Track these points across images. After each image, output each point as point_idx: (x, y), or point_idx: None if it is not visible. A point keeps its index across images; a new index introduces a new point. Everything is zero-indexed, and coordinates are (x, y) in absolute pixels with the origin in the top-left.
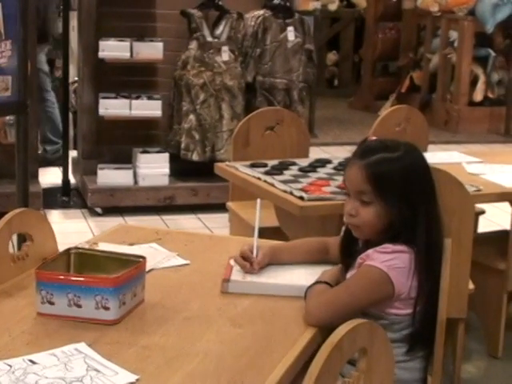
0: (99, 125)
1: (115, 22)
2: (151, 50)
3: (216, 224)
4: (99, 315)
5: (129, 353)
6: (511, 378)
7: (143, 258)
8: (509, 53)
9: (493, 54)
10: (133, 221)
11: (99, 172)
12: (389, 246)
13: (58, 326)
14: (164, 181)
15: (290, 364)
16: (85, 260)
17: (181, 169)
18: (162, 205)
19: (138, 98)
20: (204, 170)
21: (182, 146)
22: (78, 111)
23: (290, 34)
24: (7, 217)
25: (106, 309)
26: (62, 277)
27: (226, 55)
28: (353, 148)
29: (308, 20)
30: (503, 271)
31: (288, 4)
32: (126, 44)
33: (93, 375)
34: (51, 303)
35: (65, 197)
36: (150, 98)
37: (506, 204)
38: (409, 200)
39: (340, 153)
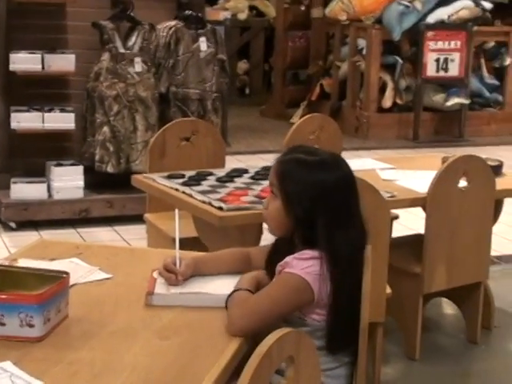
0: (11, 138)
1: (25, 34)
2: (63, 62)
3: (133, 236)
4: (24, 333)
5: (56, 370)
6: (429, 378)
7: (66, 273)
8: (415, 60)
9: (400, 61)
10: (48, 234)
11: (12, 186)
12: (307, 252)
13: None
14: (79, 193)
15: (218, 374)
16: (6, 277)
17: (95, 181)
18: (77, 218)
19: (50, 110)
20: (119, 182)
21: (97, 157)
22: None
23: (203, 44)
24: None
25: (31, 326)
26: None
27: (138, 66)
28: (266, 156)
29: (220, 30)
30: (418, 274)
31: (200, 15)
32: (38, 56)
33: None
34: None
35: None
36: (62, 110)
37: (419, 209)
38: (306, 203)
39: (254, 161)
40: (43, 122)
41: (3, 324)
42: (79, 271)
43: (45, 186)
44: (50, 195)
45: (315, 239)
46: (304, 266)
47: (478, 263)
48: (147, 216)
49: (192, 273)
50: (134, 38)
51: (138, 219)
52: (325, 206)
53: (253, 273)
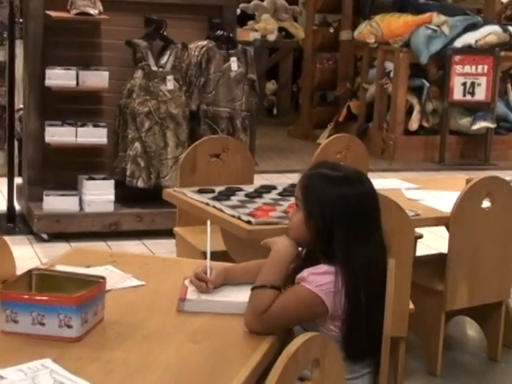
0: (45, 152)
1: (61, 50)
2: (97, 79)
3: (161, 250)
4: (62, 333)
5: (92, 368)
6: None
7: (103, 278)
8: (442, 83)
9: (427, 84)
10: (79, 247)
11: (45, 198)
12: (322, 267)
13: (23, 344)
14: (109, 207)
15: (247, 375)
16: (45, 281)
17: (126, 195)
18: (107, 231)
19: (83, 125)
20: (149, 197)
21: (128, 172)
22: (24, 138)
23: (233, 64)
24: None
25: (69, 327)
26: (26, 296)
27: (170, 84)
28: (293, 175)
29: (250, 50)
30: (441, 292)
31: (231, 35)
32: (73, 72)
33: None
34: (15, 322)
35: (10, 223)
36: (95, 125)
37: (442, 229)
38: (326, 216)
39: (280, 180)
40: (76, 137)
41: (43, 324)
42: (114, 278)
43: (76, 199)
44: (81, 208)
45: (333, 253)
46: (318, 282)
47: (500, 283)
48: (177, 230)
49: (222, 282)
50: (166, 57)
51: (166, 233)
52: (344, 221)
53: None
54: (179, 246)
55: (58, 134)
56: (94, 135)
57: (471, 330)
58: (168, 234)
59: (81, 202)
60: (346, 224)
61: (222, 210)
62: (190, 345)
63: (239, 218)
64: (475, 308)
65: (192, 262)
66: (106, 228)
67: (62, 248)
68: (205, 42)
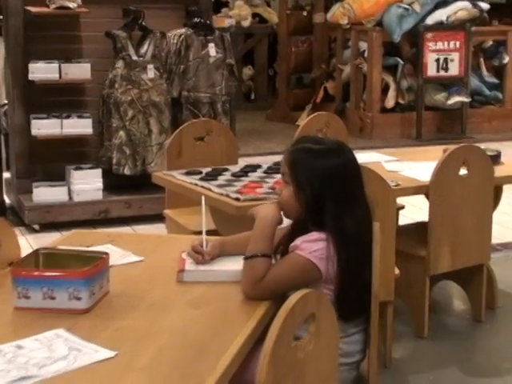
0: (31, 144)
1: (42, 44)
2: (79, 71)
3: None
4: (72, 305)
5: (103, 335)
6: (437, 355)
7: (106, 253)
8: (416, 60)
9: (401, 62)
10: (77, 231)
11: (34, 190)
12: (314, 234)
13: (35, 318)
14: (98, 195)
15: (246, 336)
16: (51, 259)
17: (113, 183)
18: (97, 218)
19: (68, 117)
20: (136, 183)
21: (114, 161)
22: (10, 132)
23: (212, 50)
24: None
25: (78, 299)
26: (36, 273)
27: (151, 73)
28: (274, 157)
29: (227, 36)
30: (424, 257)
31: (208, 22)
32: (55, 65)
33: (75, 354)
34: (27, 297)
35: (0, 216)
36: (80, 116)
37: (422, 201)
38: (315, 188)
39: (262, 162)
40: (62, 128)
41: (53, 298)
42: (114, 255)
43: (65, 189)
44: (70, 198)
45: (323, 221)
46: (311, 248)
47: (479, 246)
48: (166, 212)
49: (218, 254)
50: (146, 46)
51: (155, 218)
52: (332, 190)
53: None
54: (169, 227)
55: (44, 127)
56: (79, 126)
57: (455, 293)
58: (156, 218)
59: (70, 191)
60: (334, 193)
61: (210, 190)
62: (191, 311)
63: (227, 195)
64: (458, 272)
65: (186, 238)
66: (95, 216)
67: (53, 237)
68: (183, 30)
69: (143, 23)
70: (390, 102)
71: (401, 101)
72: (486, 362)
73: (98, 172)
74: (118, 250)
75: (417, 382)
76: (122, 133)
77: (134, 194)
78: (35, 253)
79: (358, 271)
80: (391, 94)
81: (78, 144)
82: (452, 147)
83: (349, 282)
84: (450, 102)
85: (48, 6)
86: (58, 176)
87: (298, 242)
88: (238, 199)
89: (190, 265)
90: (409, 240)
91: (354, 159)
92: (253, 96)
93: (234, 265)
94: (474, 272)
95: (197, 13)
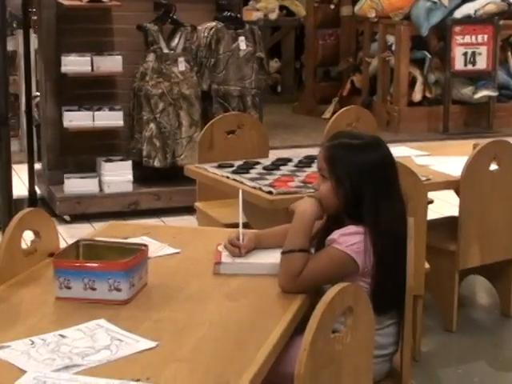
0: (63, 136)
1: (74, 37)
2: (111, 64)
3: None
4: (112, 296)
5: (144, 326)
6: (466, 349)
7: (145, 245)
8: (443, 54)
9: (429, 56)
10: (114, 223)
11: (66, 181)
12: (351, 227)
13: (76, 308)
14: (128, 187)
15: (284, 328)
16: (91, 250)
17: (143, 175)
18: (126, 210)
19: (99, 109)
20: (165, 176)
21: (144, 153)
22: (42, 124)
23: (242, 43)
24: (19, 215)
25: (118, 290)
26: (77, 264)
27: (182, 66)
28: (301, 150)
29: (257, 30)
30: (454, 252)
31: (238, 15)
32: (87, 58)
33: (117, 344)
34: (68, 288)
35: (32, 207)
36: (111, 109)
37: (450, 196)
38: (354, 182)
39: (290, 155)
40: (94, 121)
41: (94, 289)
42: (151, 247)
43: (96, 180)
44: (101, 189)
45: (361, 215)
46: (349, 242)
47: (509, 241)
48: (197, 204)
49: (254, 247)
50: (177, 39)
51: (184, 210)
52: (370, 184)
53: (304, 225)
54: (200, 219)
55: (76, 119)
56: (110, 118)
57: (483, 288)
58: (185, 210)
59: (100, 183)
60: (372, 187)
61: (242, 183)
62: (228, 303)
63: (260, 189)
64: (487, 266)
65: (221, 231)
66: (125, 208)
67: (84, 228)
68: (213, 24)
69: (174, 16)
70: (417, 96)
71: (428, 94)
72: None
73: (129, 164)
74: (155, 242)
75: (446, 375)
76: (152, 125)
77: (164, 186)
78: (76, 244)
79: (394, 265)
80: (418, 87)
81: (109, 136)
82: (483, 142)
83: (384, 276)
84: (477, 96)
85: (80, 0)
86: (88, 168)
87: (335, 235)
88: (270, 193)
89: (226, 257)
90: (438, 235)
91: (390, 153)
92: (279, 89)
93: (270, 258)
94: (503, 267)
95: (227, 6)
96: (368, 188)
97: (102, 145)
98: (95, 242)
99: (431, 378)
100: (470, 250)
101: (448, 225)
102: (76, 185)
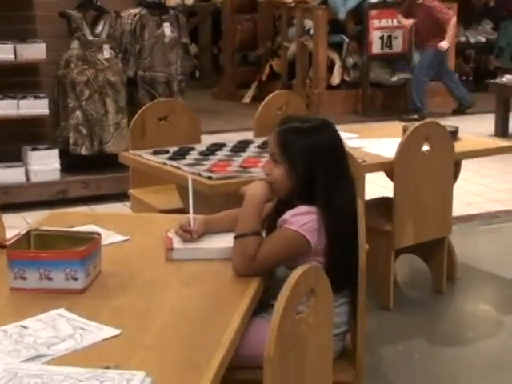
0: None
1: None
2: (34, 51)
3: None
4: (69, 285)
5: (104, 314)
6: (403, 325)
7: (98, 233)
8: (361, 38)
9: (346, 39)
10: (29, 216)
11: None
12: (302, 207)
13: (33, 298)
14: (55, 176)
15: (246, 308)
16: (42, 240)
17: (70, 163)
18: (55, 199)
19: (23, 97)
20: (93, 163)
21: (71, 141)
22: None
23: (167, 29)
24: None
25: (75, 279)
26: (32, 254)
27: (107, 52)
28: (225, 135)
29: (182, 16)
30: (390, 232)
31: (162, 1)
32: (10, 46)
33: (81, 332)
34: (23, 278)
35: None
36: (35, 97)
37: (375, 177)
38: (307, 165)
39: (213, 140)
40: (18, 109)
41: (50, 278)
42: None
43: (23, 169)
44: (27, 178)
45: (313, 197)
46: (301, 222)
47: (441, 220)
48: (132, 191)
49: (204, 231)
50: (101, 26)
51: (112, 198)
52: (322, 166)
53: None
54: (135, 206)
55: (0, 108)
56: (35, 106)
57: (414, 266)
58: (114, 198)
59: (27, 172)
60: (324, 169)
61: (180, 168)
62: (186, 289)
63: (199, 174)
64: (420, 245)
65: (166, 217)
66: (53, 196)
67: (12, 219)
68: (137, 10)
69: (98, 3)
70: (335, 79)
71: (346, 78)
72: (451, 331)
73: (55, 152)
74: (103, 230)
75: (387, 353)
76: (78, 113)
77: (91, 173)
78: (26, 234)
79: (346, 244)
80: (337, 71)
81: (34, 125)
82: (414, 124)
83: (337, 254)
84: (395, 78)
85: None
86: (13, 157)
87: (286, 215)
88: (210, 178)
89: (177, 243)
90: (373, 215)
91: (339, 135)
92: (197, 74)
93: (221, 242)
94: (436, 245)
95: None
96: (320, 170)
97: (26, 133)
98: (46, 231)
99: (373, 356)
100: (405, 229)
101: (381, 206)
102: (2, 175)
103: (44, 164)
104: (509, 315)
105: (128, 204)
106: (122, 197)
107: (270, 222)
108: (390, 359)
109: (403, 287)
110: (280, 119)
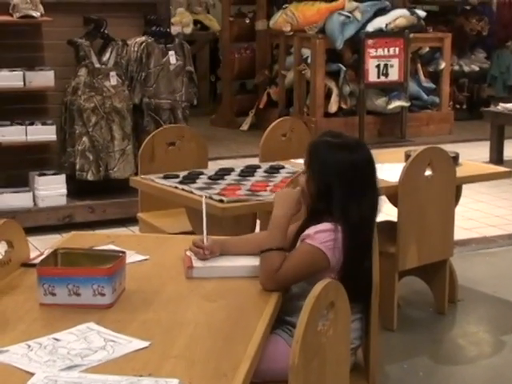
0: None
1: (5, 52)
2: (43, 78)
3: None
4: (96, 301)
5: (132, 328)
6: (406, 346)
7: (123, 252)
8: (357, 66)
9: (343, 68)
10: (36, 240)
11: None
12: (326, 225)
13: (63, 313)
14: (62, 201)
15: (266, 323)
16: (69, 258)
17: (77, 189)
18: (61, 223)
19: (31, 124)
20: (99, 189)
21: (77, 166)
22: None
23: (172, 57)
24: None
25: (102, 295)
26: (61, 271)
27: (114, 80)
28: (225, 162)
29: (187, 44)
30: (393, 254)
31: (168, 30)
32: (19, 73)
33: (112, 344)
34: (53, 294)
35: None
36: (43, 123)
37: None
38: (326, 178)
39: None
40: (26, 135)
41: (78, 294)
42: None
43: (30, 194)
44: (35, 204)
45: (331, 211)
46: (323, 239)
47: (444, 242)
48: (140, 215)
49: (219, 251)
50: (108, 54)
51: (118, 222)
52: (340, 182)
53: (281, 224)
54: (144, 230)
55: (9, 134)
56: (43, 133)
57: (418, 288)
58: (119, 222)
59: (34, 197)
60: (341, 185)
61: (192, 192)
62: (208, 303)
63: (210, 197)
64: (422, 267)
65: (184, 237)
66: (60, 221)
67: None
68: (143, 38)
69: (105, 31)
70: (332, 107)
71: (343, 106)
72: (454, 350)
73: (62, 178)
74: (122, 250)
75: (392, 371)
76: (85, 139)
77: (97, 199)
78: (54, 253)
79: (360, 262)
80: (334, 99)
81: (40, 151)
82: (417, 150)
83: (351, 271)
84: (391, 106)
85: (11, 15)
86: (20, 183)
87: (310, 231)
88: (221, 201)
89: (196, 261)
90: (379, 238)
91: (369, 157)
92: (195, 102)
93: (239, 261)
94: (438, 267)
95: (156, 21)
96: (337, 185)
97: (33, 159)
98: (72, 249)
99: (379, 373)
100: (409, 252)
101: (385, 229)
102: (10, 199)
103: (51, 189)
104: (509, 334)
105: (133, 228)
106: (126, 221)
107: (294, 236)
108: (395, 376)
109: (406, 308)
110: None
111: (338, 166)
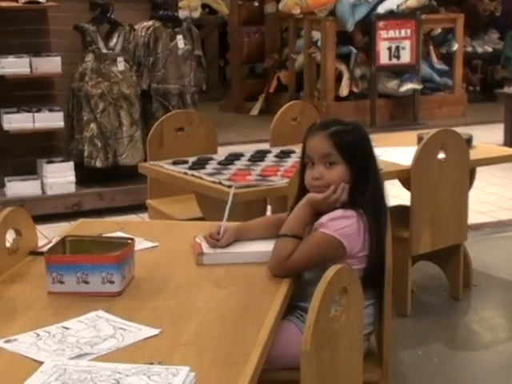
0: (2, 139)
1: (11, 39)
2: (50, 65)
3: None
4: (105, 288)
5: (141, 315)
6: (420, 332)
7: (132, 239)
8: (368, 49)
9: (354, 50)
10: (45, 228)
11: (7, 184)
12: (338, 211)
13: (72, 301)
14: (71, 188)
15: (277, 311)
16: (77, 246)
17: (85, 176)
18: (70, 211)
19: (39, 110)
20: (107, 176)
21: (85, 153)
22: None
23: (180, 42)
24: (3, 214)
25: (111, 282)
26: (70, 258)
27: (121, 65)
28: (234, 147)
29: (195, 28)
30: (407, 239)
31: (176, 14)
32: (26, 60)
33: (121, 332)
34: (61, 282)
35: None
36: (51, 110)
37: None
38: (363, 164)
39: (224, 152)
40: (34, 122)
41: (87, 282)
42: None
43: (38, 182)
44: (43, 191)
45: (360, 199)
46: (337, 226)
47: (457, 226)
48: (150, 202)
49: (234, 239)
50: (115, 39)
51: (127, 209)
52: (372, 167)
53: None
54: (153, 217)
55: (16, 121)
56: (50, 119)
57: (432, 273)
58: (128, 209)
59: (42, 185)
60: (374, 169)
61: (201, 178)
62: (219, 290)
63: (220, 183)
64: (436, 252)
65: (193, 224)
66: (68, 209)
67: None
68: (150, 23)
69: (112, 16)
70: (344, 91)
71: (354, 89)
72: (469, 336)
73: (71, 165)
74: (131, 236)
75: (407, 357)
76: (93, 125)
77: (106, 186)
78: (62, 240)
79: (379, 246)
80: (345, 82)
81: (49, 137)
82: (430, 132)
83: (375, 257)
84: (403, 89)
85: (17, 1)
86: (28, 170)
87: (323, 219)
88: (231, 186)
89: (207, 248)
90: (391, 222)
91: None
92: (204, 87)
93: (249, 247)
94: (452, 252)
95: (162, 5)
96: (371, 170)
97: (41, 146)
98: (81, 237)
99: (393, 360)
100: (422, 236)
101: (398, 213)
102: (18, 187)
103: (59, 177)
104: None
105: (142, 215)
106: (135, 208)
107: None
108: (410, 363)
109: (420, 294)
110: (316, 125)
111: (369, 150)
